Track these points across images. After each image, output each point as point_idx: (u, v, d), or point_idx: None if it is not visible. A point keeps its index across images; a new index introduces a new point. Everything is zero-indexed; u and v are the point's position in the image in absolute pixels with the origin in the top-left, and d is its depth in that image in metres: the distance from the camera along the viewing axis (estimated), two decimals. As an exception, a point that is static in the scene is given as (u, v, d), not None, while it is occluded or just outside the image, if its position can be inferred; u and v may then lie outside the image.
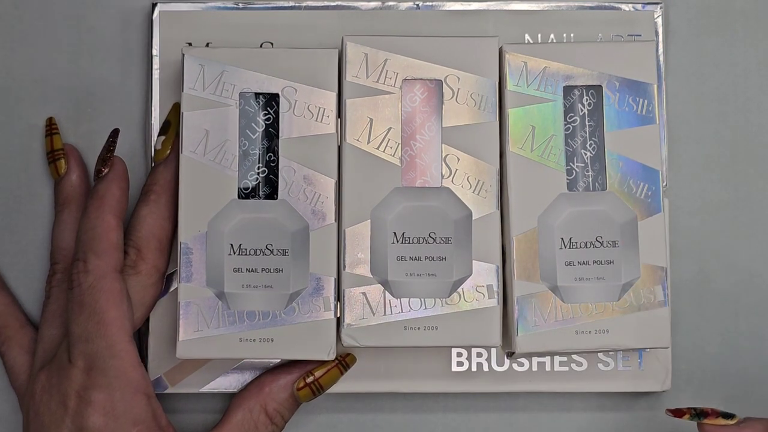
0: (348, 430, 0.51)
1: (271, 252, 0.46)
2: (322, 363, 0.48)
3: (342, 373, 0.48)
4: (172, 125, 0.49)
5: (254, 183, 0.47)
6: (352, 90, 0.47)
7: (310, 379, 0.47)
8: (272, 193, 0.47)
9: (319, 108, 0.47)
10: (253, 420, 0.47)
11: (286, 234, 0.46)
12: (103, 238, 0.46)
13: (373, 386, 0.50)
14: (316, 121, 0.47)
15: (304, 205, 0.46)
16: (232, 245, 0.46)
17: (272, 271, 0.46)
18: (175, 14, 0.51)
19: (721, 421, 0.46)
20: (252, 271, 0.46)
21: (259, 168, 0.47)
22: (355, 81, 0.47)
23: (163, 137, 0.48)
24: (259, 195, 0.47)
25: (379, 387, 0.50)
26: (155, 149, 0.49)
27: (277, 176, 0.47)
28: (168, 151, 0.48)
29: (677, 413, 0.47)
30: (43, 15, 0.52)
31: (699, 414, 0.46)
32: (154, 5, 0.51)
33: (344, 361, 0.48)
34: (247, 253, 0.46)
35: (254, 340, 0.45)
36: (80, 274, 0.45)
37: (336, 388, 0.49)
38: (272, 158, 0.47)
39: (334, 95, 0.47)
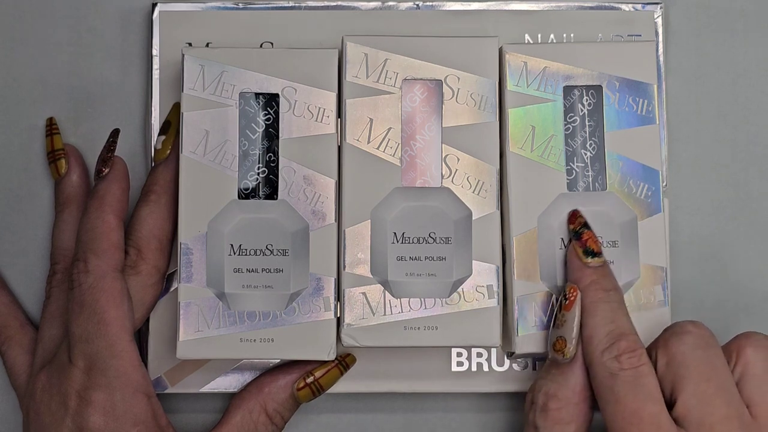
0: (348, 430, 0.51)
1: (271, 252, 0.46)
2: (322, 363, 0.48)
3: (342, 374, 0.48)
4: (172, 125, 0.48)
5: (254, 183, 0.47)
6: (352, 90, 0.47)
7: (310, 380, 0.47)
8: (272, 194, 0.47)
9: (319, 108, 0.47)
10: (253, 420, 0.47)
11: (286, 234, 0.46)
12: (104, 238, 0.46)
13: (373, 386, 0.50)
14: (316, 121, 0.47)
15: (304, 205, 0.46)
16: (232, 245, 0.46)
17: (272, 271, 0.46)
18: (175, 14, 0.51)
19: (581, 254, 0.45)
20: (252, 271, 0.46)
21: (259, 168, 0.47)
22: (355, 81, 0.47)
23: (163, 137, 0.48)
24: (259, 195, 0.47)
25: (379, 387, 0.50)
26: (155, 149, 0.49)
27: (277, 176, 0.47)
28: (168, 151, 0.48)
29: (572, 218, 0.46)
30: (43, 15, 0.52)
31: (577, 234, 0.45)
32: (154, 5, 0.51)
33: (344, 361, 0.48)
34: (248, 254, 0.46)
35: (254, 340, 0.45)
36: (80, 274, 0.45)
37: (336, 388, 0.49)
38: (272, 158, 0.47)
39: (334, 95, 0.47)
